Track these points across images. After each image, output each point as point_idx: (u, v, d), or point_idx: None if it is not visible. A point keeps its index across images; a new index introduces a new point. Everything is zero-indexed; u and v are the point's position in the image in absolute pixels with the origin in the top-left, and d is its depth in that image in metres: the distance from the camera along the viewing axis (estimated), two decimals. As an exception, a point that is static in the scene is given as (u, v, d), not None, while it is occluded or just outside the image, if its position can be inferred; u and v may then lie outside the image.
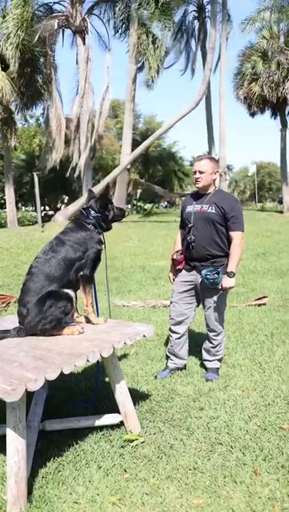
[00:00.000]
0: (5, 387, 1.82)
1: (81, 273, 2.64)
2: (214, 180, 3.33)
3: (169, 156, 36.34)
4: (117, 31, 19.15)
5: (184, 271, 3.43)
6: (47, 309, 2.46)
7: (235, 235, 3.27)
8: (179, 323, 3.45)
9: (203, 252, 3.28)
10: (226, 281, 3.22)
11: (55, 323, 2.50)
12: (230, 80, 21.73)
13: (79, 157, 18.63)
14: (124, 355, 3.96)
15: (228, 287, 3.22)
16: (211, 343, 3.44)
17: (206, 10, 22.92)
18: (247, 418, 2.74)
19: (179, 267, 3.44)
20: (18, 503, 1.92)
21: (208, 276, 3.19)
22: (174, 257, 3.44)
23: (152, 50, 16.93)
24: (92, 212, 2.78)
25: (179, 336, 3.47)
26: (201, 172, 3.26)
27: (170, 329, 3.52)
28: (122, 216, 2.96)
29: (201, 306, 3.50)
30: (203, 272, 3.23)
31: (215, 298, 3.33)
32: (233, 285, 3.25)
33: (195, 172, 3.30)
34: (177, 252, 3.45)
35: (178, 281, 3.45)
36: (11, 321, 2.75)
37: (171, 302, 3.50)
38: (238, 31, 22.55)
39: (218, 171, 3.36)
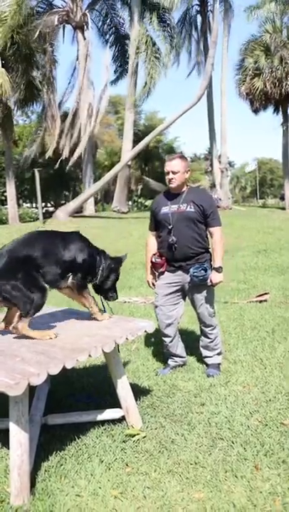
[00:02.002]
0: (8, 382, 1.83)
1: (72, 280, 2.60)
2: (187, 179, 3.32)
3: (170, 151, 36.29)
4: (116, 27, 19.11)
5: (166, 273, 3.37)
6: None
7: (215, 231, 3.31)
8: (168, 325, 3.41)
9: (187, 252, 3.26)
10: (216, 277, 3.24)
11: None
12: (232, 76, 21.64)
13: (69, 152, 18.66)
14: (126, 351, 3.98)
15: (217, 282, 3.25)
16: (208, 337, 3.45)
17: (209, 3, 22.73)
18: (248, 414, 2.75)
19: (161, 269, 3.37)
20: (21, 496, 1.94)
21: (195, 273, 3.20)
22: (153, 260, 3.38)
23: (153, 57, 16.89)
24: (104, 260, 2.76)
25: (171, 338, 3.45)
26: (174, 172, 3.22)
27: (161, 333, 3.47)
28: (114, 291, 2.91)
29: (189, 304, 3.48)
30: (191, 270, 3.22)
31: (205, 293, 3.33)
32: (222, 280, 3.28)
33: (168, 172, 3.25)
34: (154, 254, 3.40)
35: (161, 284, 3.39)
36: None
37: (156, 306, 3.45)
38: (240, 25, 22.44)
39: (190, 170, 3.34)
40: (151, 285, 3.52)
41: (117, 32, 19.88)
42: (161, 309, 3.40)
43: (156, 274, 3.43)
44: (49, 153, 19.25)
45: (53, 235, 2.74)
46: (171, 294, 3.38)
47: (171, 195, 3.33)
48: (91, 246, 2.76)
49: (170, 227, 3.26)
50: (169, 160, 3.29)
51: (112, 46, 20.10)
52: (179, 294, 3.41)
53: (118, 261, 2.85)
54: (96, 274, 2.73)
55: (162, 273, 3.39)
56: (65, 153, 19.02)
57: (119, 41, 19.96)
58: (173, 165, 3.23)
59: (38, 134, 19.38)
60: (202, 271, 3.20)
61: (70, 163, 18.97)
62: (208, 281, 3.23)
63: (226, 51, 20.80)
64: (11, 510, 1.90)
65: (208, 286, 3.29)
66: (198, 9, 23.28)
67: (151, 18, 17.21)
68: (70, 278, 2.60)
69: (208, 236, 3.39)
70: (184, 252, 3.26)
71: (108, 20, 19.46)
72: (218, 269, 3.24)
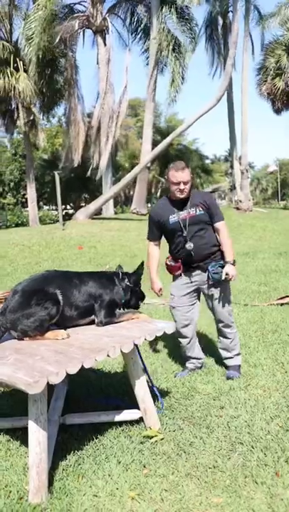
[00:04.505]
0: (27, 380, 1.84)
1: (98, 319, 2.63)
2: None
3: (190, 153, 36.20)
4: (136, 31, 19.11)
5: (183, 275, 3.35)
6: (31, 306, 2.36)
7: (220, 225, 3.29)
8: (186, 326, 3.40)
9: (205, 253, 3.26)
10: (231, 270, 3.21)
11: (38, 323, 2.37)
12: (252, 76, 21.42)
13: (99, 158, 18.77)
14: (145, 353, 3.96)
15: (232, 274, 3.21)
16: (228, 338, 3.40)
17: (230, 3, 22.52)
18: (269, 418, 2.70)
19: (178, 272, 3.34)
20: (39, 494, 1.95)
21: (214, 271, 3.20)
22: (168, 262, 3.36)
23: (175, 59, 16.84)
24: (126, 279, 2.78)
25: (188, 339, 3.43)
26: (185, 183, 3.14)
27: (178, 334, 3.42)
28: (142, 299, 2.93)
29: (205, 306, 3.45)
30: (209, 268, 3.22)
31: (222, 292, 3.31)
32: (236, 272, 3.27)
33: (179, 183, 3.14)
34: (168, 258, 3.38)
35: (178, 284, 3.37)
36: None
37: (173, 307, 3.42)
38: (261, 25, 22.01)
39: (193, 176, 3.31)
40: (158, 293, 3.46)
41: (143, 29, 19.65)
42: (179, 310, 3.38)
43: (172, 276, 3.42)
44: (77, 160, 19.37)
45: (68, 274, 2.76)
46: (187, 294, 3.36)
47: (176, 203, 3.27)
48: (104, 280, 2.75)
49: (184, 234, 3.22)
50: (178, 170, 3.15)
51: (140, 41, 19.75)
52: (194, 294, 3.39)
53: (136, 280, 2.86)
54: (118, 305, 2.74)
55: (179, 275, 3.37)
56: (96, 160, 19.11)
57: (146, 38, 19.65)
58: (184, 176, 3.14)
59: (72, 142, 19.44)
60: (219, 268, 3.21)
61: (100, 171, 19.09)
62: (224, 275, 3.19)
63: (246, 51, 20.56)
64: (29, 508, 1.91)
65: (225, 284, 3.29)
66: (219, 10, 23.10)
67: (170, 12, 17.08)
68: (95, 319, 2.64)
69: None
70: (199, 254, 3.26)
71: (132, 19, 19.29)
72: (233, 263, 3.24)
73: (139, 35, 19.26)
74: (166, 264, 3.39)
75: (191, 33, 17.67)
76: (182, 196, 3.21)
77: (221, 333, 3.45)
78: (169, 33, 17.12)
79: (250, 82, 20.92)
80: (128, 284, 2.77)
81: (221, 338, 3.46)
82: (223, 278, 3.20)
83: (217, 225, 3.29)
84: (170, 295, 3.45)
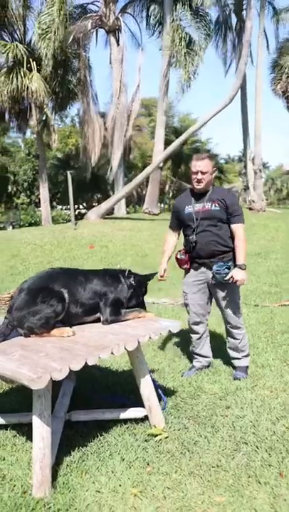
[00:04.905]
0: (31, 375, 1.87)
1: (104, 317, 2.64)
2: (213, 179, 3.27)
3: (205, 152, 36.02)
4: (152, 29, 19.05)
5: (192, 270, 3.37)
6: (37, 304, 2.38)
7: (238, 228, 3.23)
8: (197, 323, 3.42)
9: (211, 250, 3.23)
10: (238, 274, 3.14)
11: (44, 321, 2.39)
12: (267, 73, 21.21)
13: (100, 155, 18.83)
14: (152, 352, 3.97)
15: (240, 279, 3.14)
16: (236, 339, 3.39)
17: (244, 2, 22.35)
18: (275, 419, 2.68)
19: (185, 266, 3.37)
20: (42, 488, 1.97)
21: (218, 271, 3.16)
22: (178, 256, 3.37)
23: (186, 54, 16.75)
24: (132, 278, 2.80)
25: (199, 336, 3.44)
26: (203, 173, 3.17)
27: (190, 330, 3.48)
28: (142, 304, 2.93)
29: (215, 304, 3.44)
30: (214, 268, 3.19)
31: (229, 293, 3.28)
32: (246, 278, 3.18)
33: (197, 172, 3.18)
34: (180, 251, 3.39)
35: (189, 281, 3.39)
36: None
37: (186, 304, 3.46)
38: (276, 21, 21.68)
39: (216, 169, 3.28)
40: (161, 274, 3.43)
41: (157, 27, 19.56)
42: (191, 307, 3.41)
43: (184, 271, 3.44)
44: (94, 160, 19.44)
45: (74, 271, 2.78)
46: (198, 292, 3.37)
47: (196, 195, 3.30)
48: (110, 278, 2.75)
49: (194, 226, 3.24)
50: (198, 160, 3.21)
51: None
52: (206, 292, 3.38)
53: (141, 281, 2.88)
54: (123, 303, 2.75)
55: (187, 270, 3.40)
56: (116, 162, 19.12)
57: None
58: (202, 165, 3.18)
59: (88, 142, 19.48)
60: (226, 269, 3.16)
61: (112, 170, 19.14)
62: (230, 277, 3.15)
63: (261, 50, 20.37)
64: (33, 502, 1.94)
65: (232, 286, 3.24)
66: (233, 8, 22.94)
67: (184, 9, 16.99)
68: (101, 317, 2.66)
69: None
70: (207, 250, 3.24)
71: (148, 18, 19.21)
72: (241, 266, 3.17)
73: (153, 34, 19.19)
74: (176, 257, 3.41)
75: (205, 29, 17.53)
76: (199, 187, 3.23)
77: (229, 334, 3.44)
78: (183, 31, 17.01)
79: (264, 80, 20.75)
80: (132, 283, 2.78)
81: (229, 339, 3.45)
82: (226, 279, 3.16)
83: (233, 226, 3.24)
84: (183, 292, 3.48)
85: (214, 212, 3.21)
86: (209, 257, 3.25)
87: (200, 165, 3.18)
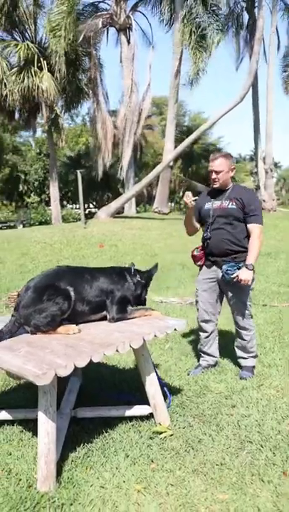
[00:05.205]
0: (36, 371, 1.90)
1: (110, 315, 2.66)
2: (231, 177, 3.27)
3: (216, 152, 35.84)
4: (165, 24, 18.88)
5: (204, 267, 3.39)
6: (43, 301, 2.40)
7: (254, 228, 3.20)
8: (206, 321, 3.43)
9: (223, 248, 3.23)
10: (244, 273, 3.11)
11: (50, 318, 2.41)
12: (279, 72, 21.00)
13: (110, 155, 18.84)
14: (159, 350, 3.98)
15: (244, 279, 3.10)
16: (244, 339, 3.39)
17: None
18: (280, 418, 2.68)
19: (199, 263, 3.41)
20: (47, 482, 2.00)
21: (228, 271, 3.15)
22: (195, 253, 3.40)
23: (196, 49, 16.67)
24: (138, 275, 2.82)
25: (207, 334, 3.45)
26: (217, 172, 3.20)
27: (199, 327, 3.50)
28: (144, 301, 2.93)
29: (226, 303, 3.44)
30: (224, 267, 3.19)
31: (239, 293, 3.27)
32: (251, 278, 3.14)
33: (211, 172, 3.22)
34: (197, 248, 3.41)
35: (201, 279, 3.42)
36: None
37: (196, 302, 3.47)
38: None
39: (234, 168, 3.28)
40: (188, 200, 3.29)
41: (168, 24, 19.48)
42: (200, 305, 3.43)
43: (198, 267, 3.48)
44: (107, 158, 19.47)
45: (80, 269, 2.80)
46: (209, 290, 3.38)
47: (216, 192, 3.33)
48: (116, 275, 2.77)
49: (209, 222, 3.27)
50: (212, 159, 3.25)
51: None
52: (217, 290, 3.39)
53: (147, 277, 2.89)
54: (130, 301, 2.77)
55: (201, 267, 3.42)
56: (126, 161, 19.13)
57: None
58: (217, 164, 3.20)
59: (100, 142, 19.49)
60: (236, 269, 3.15)
61: (124, 169, 19.16)
62: (236, 276, 3.13)
63: (273, 48, 20.20)
64: (38, 496, 1.97)
65: (242, 286, 3.21)
66: (245, 5, 22.76)
67: (196, 3, 16.88)
68: (107, 315, 2.67)
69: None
70: (219, 248, 3.24)
71: (161, 14, 19.10)
72: (248, 266, 3.13)
73: (169, 28, 19.07)
74: (192, 254, 3.43)
75: (218, 25, 17.41)
76: (215, 186, 3.27)
77: (237, 334, 3.45)
78: (194, 26, 16.90)
79: (276, 78, 20.56)
80: (139, 280, 2.80)
81: (238, 338, 3.45)
82: (232, 278, 3.14)
83: (249, 226, 3.21)
84: (195, 289, 3.50)
85: (230, 210, 3.21)
86: (221, 255, 3.25)
87: (213, 164, 3.22)
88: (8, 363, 2.05)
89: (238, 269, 3.15)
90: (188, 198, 3.24)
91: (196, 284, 3.50)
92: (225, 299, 3.44)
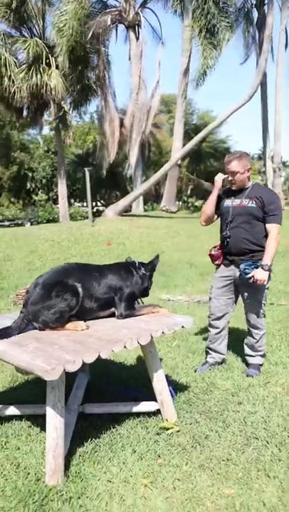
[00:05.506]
0: (45, 367, 1.93)
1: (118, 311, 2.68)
2: (248, 176, 3.27)
3: (224, 150, 35.64)
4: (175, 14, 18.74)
5: (222, 266, 3.40)
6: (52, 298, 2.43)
7: (272, 228, 3.19)
8: (218, 318, 3.44)
9: (241, 247, 3.23)
10: (260, 274, 3.11)
11: (58, 315, 2.44)
12: (287, 72, 20.84)
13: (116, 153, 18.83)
14: (166, 347, 4.00)
15: (259, 279, 3.11)
16: (254, 338, 3.40)
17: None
18: (286, 415, 2.69)
19: (216, 262, 3.42)
20: (55, 476, 2.04)
21: (246, 270, 3.15)
22: (212, 252, 3.41)
23: (205, 46, 16.61)
24: (143, 269, 2.84)
25: (218, 330, 3.46)
26: (233, 173, 3.20)
27: (209, 324, 3.51)
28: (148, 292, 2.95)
29: (241, 301, 3.45)
30: (242, 266, 3.19)
31: (254, 293, 3.27)
32: (266, 278, 3.13)
33: (227, 174, 3.25)
34: (215, 247, 3.42)
35: (217, 276, 3.43)
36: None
37: (210, 298, 3.49)
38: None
39: (250, 168, 3.27)
40: (219, 181, 3.35)
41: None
42: (214, 301, 3.44)
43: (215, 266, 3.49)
44: (113, 157, 19.50)
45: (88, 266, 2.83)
46: (224, 287, 3.38)
47: (236, 190, 3.32)
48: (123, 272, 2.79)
49: (228, 220, 3.27)
50: (226, 163, 3.25)
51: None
52: (232, 289, 3.39)
53: (152, 268, 2.91)
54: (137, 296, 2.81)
55: (218, 266, 3.44)
56: (134, 160, 19.12)
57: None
58: (232, 166, 3.21)
59: (108, 139, 19.51)
60: (254, 268, 3.14)
61: (132, 167, 19.17)
62: (251, 276, 3.14)
63: (282, 46, 20.05)
64: (46, 489, 2.00)
65: (258, 286, 3.19)
66: (254, 2, 22.61)
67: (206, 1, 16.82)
68: (115, 312, 2.70)
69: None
70: (237, 247, 3.25)
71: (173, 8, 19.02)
72: (264, 267, 3.12)
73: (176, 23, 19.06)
74: (210, 253, 3.45)
75: (228, 22, 17.32)
76: (233, 187, 3.29)
77: (249, 332, 3.47)
78: (203, 21, 16.84)
79: (285, 77, 20.41)
80: (144, 272, 2.82)
81: (248, 336, 3.47)
82: (247, 277, 3.14)
83: (268, 226, 3.20)
84: (210, 286, 3.52)
85: (250, 209, 3.21)
86: (239, 254, 3.26)
87: (228, 167, 3.23)
88: (17, 358, 2.09)
89: (256, 268, 3.14)
90: (221, 177, 3.30)
91: (211, 281, 3.51)
92: (240, 299, 3.45)
